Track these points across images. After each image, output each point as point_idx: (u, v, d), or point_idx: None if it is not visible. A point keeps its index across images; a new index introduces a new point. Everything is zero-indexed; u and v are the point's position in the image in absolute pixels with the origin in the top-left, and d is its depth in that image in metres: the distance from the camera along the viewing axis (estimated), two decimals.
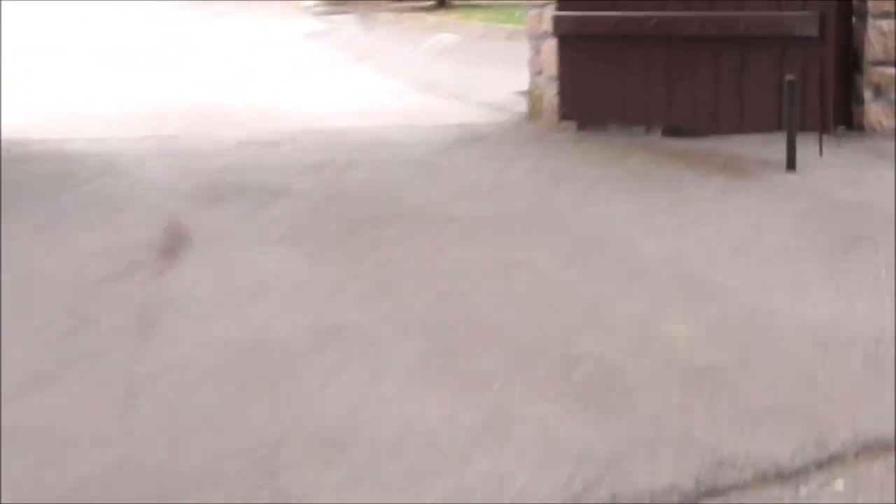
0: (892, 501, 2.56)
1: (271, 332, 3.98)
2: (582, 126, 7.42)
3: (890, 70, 6.73)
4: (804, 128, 6.18)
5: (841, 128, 6.49)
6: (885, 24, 6.75)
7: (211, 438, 3.09)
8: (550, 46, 7.58)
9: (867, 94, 6.94)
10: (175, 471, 2.90)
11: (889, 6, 6.75)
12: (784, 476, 2.74)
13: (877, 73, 6.89)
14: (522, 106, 8.28)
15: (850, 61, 6.65)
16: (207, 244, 5.10)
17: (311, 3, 18.95)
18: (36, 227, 5.47)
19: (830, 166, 6.04)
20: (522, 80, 8.41)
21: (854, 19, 6.72)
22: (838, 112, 6.47)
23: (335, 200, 5.83)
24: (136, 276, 4.73)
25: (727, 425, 3.05)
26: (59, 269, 4.88)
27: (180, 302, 4.34)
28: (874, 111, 6.84)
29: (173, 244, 5.08)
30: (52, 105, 9.80)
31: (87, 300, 4.40)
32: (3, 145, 7.38)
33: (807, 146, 6.16)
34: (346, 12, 17.55)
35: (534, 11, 7.95)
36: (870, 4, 6.86)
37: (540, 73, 7.91)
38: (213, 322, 4.09)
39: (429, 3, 16.80)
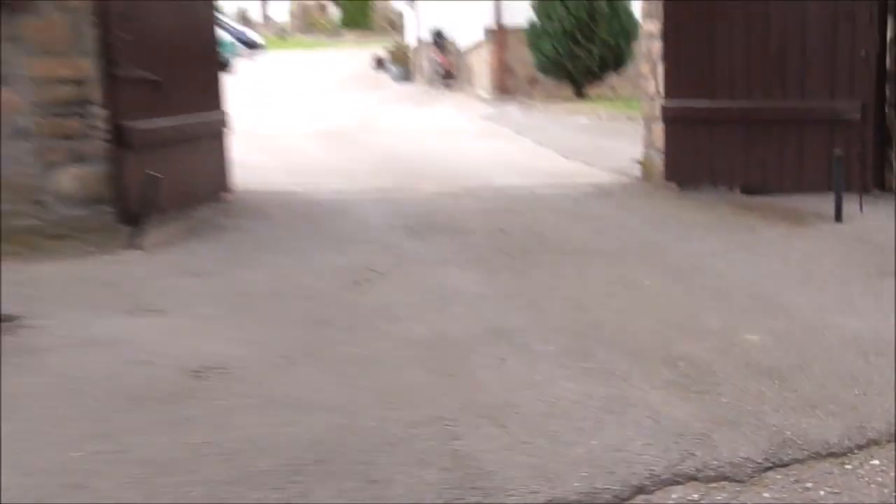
0: None
1: (454, 331, 4.10)
2: (681, 185, 7.52)
3: None
4: (848, 189, 6.22)
5: (876, 190, 6.47)
6: None
7: (408, 410, 3.22)
8: (659, 127, 7.71)
9: None
10: (383, 432, 3.04)
11: None
12: (833, 454, 2.80)
13: None
14: (637, 170, 8.39)
15: (884, 138, 6.62)
16: (411, 266, 5.32)
17: (486, 94, 19.28)
18: (292, 251, 5.72)
19: (868, 218, 6.05)
20: (637, 151, 8.51)
21: (887, 108, 6.64)
22: (874, 178, 6.49)
23: (501, 237, 6.00)
24: (361, 286, 4.92)
25: (790, 413, 3.11)
26: (309, 280, 5.07)
27: (391, 307, 4.51)
28: None
29: (388, 265, 5.29)
30: (300, 166, 10.18)
31: (327, 305, 4.59)
32: (270, 196, 7.71)
33: (850, 203, 6.16)
34: (511, 101, 17.87)
35: (647, 101, 8.10)
36: None
37: (651, 146, 8.06)
38: (413, 322, 4.25)
39: (570, 95, 16.99)
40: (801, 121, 6.76)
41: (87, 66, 6.51)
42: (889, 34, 7.07)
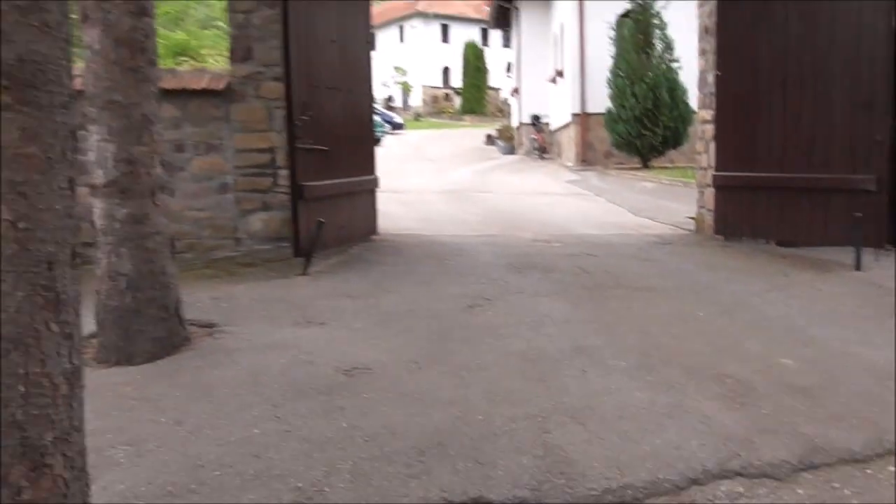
0: None
1: (545, 347, 4.07)
2: (727, 238, 7.34)
3: None
4: (866, 244, 6.02)
5: (888, 246, 6.20)
6: None
7: (509, 407, 3.22)
8: (710, 192, 7.55)
9: None
10: (489, 425, 3.05)
11: None
12: (856, 460, 2.71)
13: None
14: (691, 225, 8.23)
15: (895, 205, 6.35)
16: (512, 295, 5.28)
17: (571, 164, 19.25)
18: (422, 281, 5.75)
19: (883, 268, 5.83)
20: (691, 210, 8.35)
21: None
22: (888, 235, 6.18)
23: (582, 275, 5.91)
24: (473, 310, 4.90)
25: (819, 424, 3.02)
26: (434, 303, 5.08)
27: (496, 326, 4.50)
28: None
29: (494, 294, 5.25)
30: (428, 216, 10.30)
31: (448, 323, 4.59)
32: (405, 238, 7.80)
33: (867, 256, 5.94)
34: (591, 170, 17.83)
35: (700, 171, 8.00)
36: None
37: (703, 206, 7.89)
38: (514, 339, 4.24)
39: (637, 165, 16.87)
40: (826, 189, 6.55)
41: (276, 140, 6.72)
42: None
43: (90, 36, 3.73)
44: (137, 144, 3.86)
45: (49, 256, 1.70)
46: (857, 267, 5.92)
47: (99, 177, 3.84)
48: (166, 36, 11.85)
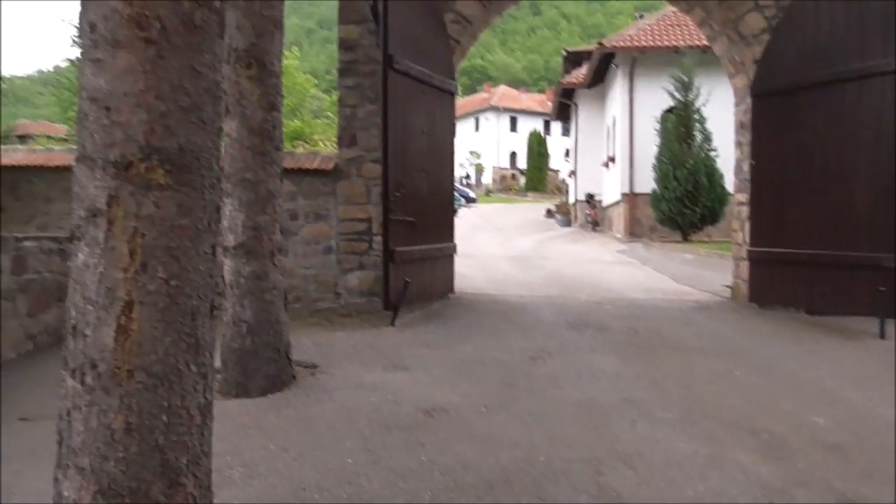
0: None
1: (599, 398, 3.96)
2: (760, 305, 7.06)
3: None
4: (888, 315, 5.69)
5: None
6: None
7: (566, 451, 3.14)
8: (745, 264, 7.33)
9: None
10: (549, 465, 2.98)
11: None
12: None
13: None
14: (727, 293, 7.95)
15: None
16: (569, 350, 5.17)
17: (620, 236, 19.04)
18: (491, 335, 5.68)
19: None
20: (727, 279, 8.11)
21: None
22: None
23: (631, 334, 5.76)
24: (536, 361, 4.82)
25: (850, 480, 2.85)
26: (501, 355, 4.99)
27: (556, 377, 4.41)
28: None
29: (554, 349, 5.15)
30: (496, 277, 10.24)
31: (513, 372, 4.52)
32: (477, 296, 7.78)
33: (890, 326, 5.66)
34: (637, 242, 17.57)
35: (736, 246, 7.81)
36: None
37: (738, 277, 7.66)
38: (571, 389, 4.15)
39: (679, 239, 16.58)
40: (850, 265, 6.26)
41: (373, 211, 6.86)
42: None
43: (229, 126, 3.91)
44: (262, 214, 4.00)
45: (193, 309, 1.75)
46: (882, 335, 5.61)
47: (230, 240, 3.98)
48: (286, 123, 12.31)
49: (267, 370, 4.00)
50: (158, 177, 1.65)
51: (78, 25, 1.73)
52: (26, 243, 4.98)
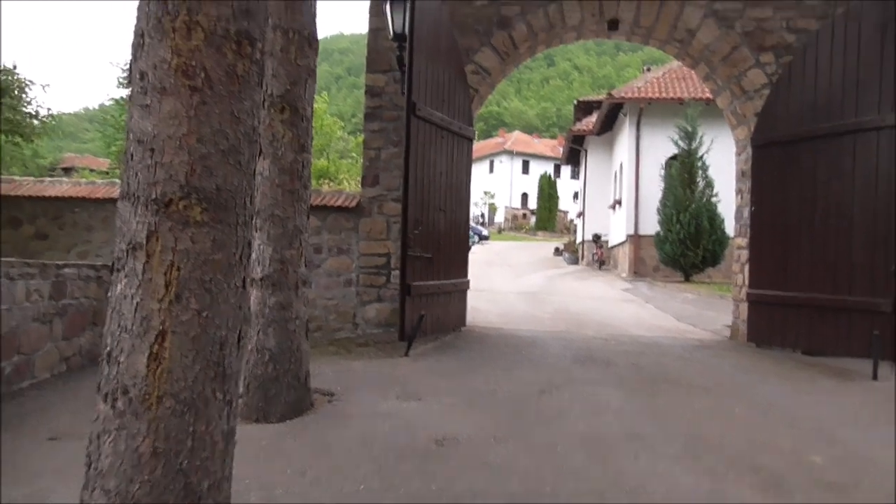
0: None
1: (604, 431, 3.89)
2: (759, 345, 6.97)
3: None
4: (883, 358, 5.66)
5: None
6: None
7: (573, 482, 3.06)
8: (744, 306, 7.25)
9: None
10: (556, 495, 2.92)
11: None
12: None
13: None
14: (727, 332, 7.85)
15: None
16: (576, 384, 5.08)
17: (625, 275, 18.94)
18: (501, 367, 5.62)
19: None
20: (727, 319, 8.02)
21: None
22: None
23: (635, 370, 5.69)
24: (544, 394, 4.75)
25: None
26: (511, 387, 4.94)
27: (563, 410, 4.34)
28: None
29: (561, 382, 5.07)
30: (506, 312, 10.17)
31: (522, 404, 4.46)
32: (488, 330, 7.73)
33: (884, 368, 5.57)
34: (641, 281, 17.46)
35: (736, 288, 7.75)
36: None
37: (738, 317, 7.56)
38: (578, 422, 4.08)
39: (681, 279, 16.48)
40: (847, 309, 6.17)
41: (392, 247, 6.88)
42: None
43: (262, 165, 3.96)
44: (289, 248, 4.02)
45: (221, 339, 1.75)
46: (875, 377, 5.51)
47: (257, 272, 3.99)
48: (313, 162, 12.45)
49: (287, 396, 3.98)
50: (196, 214, 1.67)
51: (128, 72, 1.77)
52: (66, 270, 5.03)
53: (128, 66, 21.60)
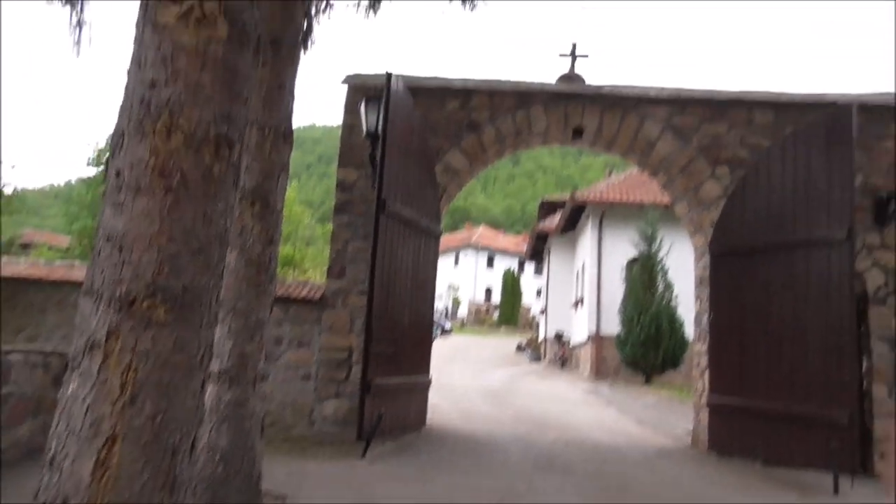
0: None
1: None
2: (719, 454, 6.94)
3: (889, 445, 6.07)
4: (841, 470, 5.65)
5: (862, 471, 5.87)
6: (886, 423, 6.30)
7: None
8: (705, 413, 7.30)
9: (875, 456, 6.37)
10: None
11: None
12: None
13: (881, 445, 6.31)
14: (688, 439, 7.80)
15: (865, 437, 6.07)
16: (536, 492, 4.90)
17: (587, 375, 18.92)
18: (461, 472, 5.46)
19: (857, 493, 5.55)
20: (687, 424, 7.96)
21: (866, 417, 6.22)
22: (861, 463, 5.91)
23: (597, 478, 5.56)
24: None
25: None
26: (469, 493, 4.68)
27: None
28: (879, 466, 6.19)
29: (522, 490, 4.91)
30: (467, 411, 9.95)
31: None
32: (448, 431, 7.52)
33: (843, 481, 5.58)
34: (603, 381, 17.45)
35: (696, 394, 7.76)
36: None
37: (698, 425, 7.58)
38: None
39: (642, 381, 16.54)
40: (805, 420, 6.22)
41: (355, 341, 6.80)
42: (864, 365, 6.64)
43: (229, 257, 3.90)
44: (250, 342, 3.92)
45: (174, 446, 1.67)
46: (836, 491, 5.50)
47: (215, 366, 3.86)
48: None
49: (236, 499, 3.77)
50: (160, 314, 1.63)
51: (104, 165, 1.77)
52: (12, 356, 4.81)
53: (99, 148, 21.65)
